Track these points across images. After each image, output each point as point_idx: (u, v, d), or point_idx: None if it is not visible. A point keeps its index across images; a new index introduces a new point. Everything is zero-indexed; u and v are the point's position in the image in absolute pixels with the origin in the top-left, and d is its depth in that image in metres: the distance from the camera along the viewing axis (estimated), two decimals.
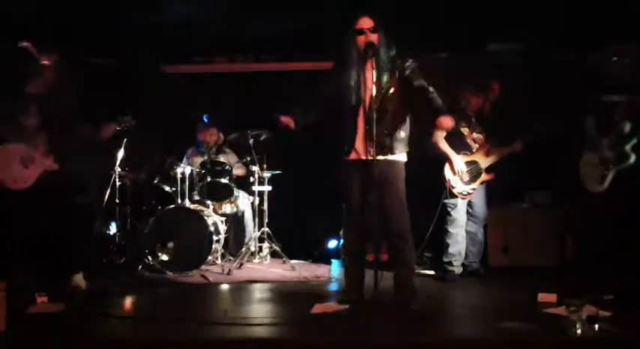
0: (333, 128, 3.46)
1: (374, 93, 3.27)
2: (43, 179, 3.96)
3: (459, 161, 4.46)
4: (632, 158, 3.84)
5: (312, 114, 3.55)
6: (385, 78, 3.32)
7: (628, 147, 3.85)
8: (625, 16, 4.54)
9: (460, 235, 4.50)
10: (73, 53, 5.61)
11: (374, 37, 3.30)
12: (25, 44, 3.93)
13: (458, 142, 4.52)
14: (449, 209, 4.49)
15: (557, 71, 5.47)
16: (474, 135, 4.57)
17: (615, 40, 3.98)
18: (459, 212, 4.48)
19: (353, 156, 3.37)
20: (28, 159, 3.94)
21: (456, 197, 4.46)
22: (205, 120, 5.65)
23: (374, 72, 3.27)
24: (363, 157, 3.32)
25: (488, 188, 4.67)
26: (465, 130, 4.54)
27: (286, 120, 3.49)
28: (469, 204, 4.56)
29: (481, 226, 4.64)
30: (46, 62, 3.98)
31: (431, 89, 3.34)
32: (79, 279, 3.97)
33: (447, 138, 4.50)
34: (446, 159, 4.49)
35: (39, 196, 3.97)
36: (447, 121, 3.23)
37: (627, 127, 3.88)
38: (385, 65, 3.32)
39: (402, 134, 3.39)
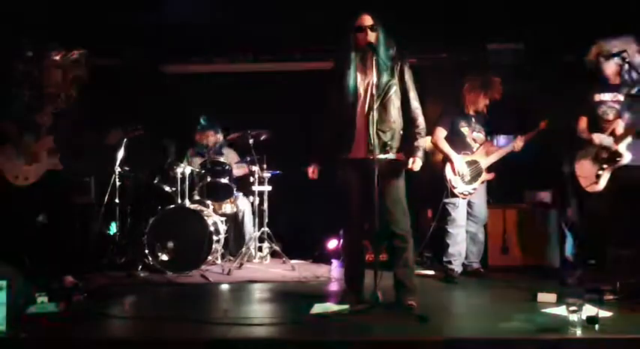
0: (333, 127, 3.46)
1: (374, 91, 3.27)
2: (44, 178, 3.98)
3: (459, 161, 4.45)
4: (627, 157, 3.85)
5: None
6: (385, 76, 3.32)
7: (622, 146, 3.86)
8: (625, 16, 4.55)
9: (460, 235, 4.49)
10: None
11: (374, 36, 3.31)
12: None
13: (458, 142, 4.52)
14: (449, 209, 4.47)
15: (557, 71, 5.48)
16: (474, 134, 4.56)
17: (604, 38, 3.98)
18: (459, 212, 4.47)
19: (353, 155, 3.37)
20: (34, 156, 3.97)
21: (457, 197, 4.45)
22: (203, 121, 5.65)
23: (374, 70, 3.27)
24: (363, 156, 3.32)
25: (488, 188, 4.67)
26: (464, 130, 4.53)
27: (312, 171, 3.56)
28: (469, 204, 4.55)
29: (481, 226, 4.63)
30: (53, 58, 4.00)
31: (422, 120, 3.43)
32: (70, 280, 3.97)
33: (447, 138, 4.50)
34: (447, 159, 4.48)
35: (38, 195, 3.99)
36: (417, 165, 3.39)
37: (620, 126, 3.88)
38: (385, 63, 3.32)
39: (401, 134, 3.39)
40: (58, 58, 4.04)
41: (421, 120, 3.44)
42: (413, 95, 3.43)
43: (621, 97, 3.94)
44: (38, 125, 4.03)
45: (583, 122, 4.08)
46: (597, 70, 4.00)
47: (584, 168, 4.04)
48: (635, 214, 3.86)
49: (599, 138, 3.95)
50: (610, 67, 3.93)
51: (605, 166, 3.92)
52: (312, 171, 3.56)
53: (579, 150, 4.12)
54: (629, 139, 3.85)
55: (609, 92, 3.99)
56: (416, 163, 3.39)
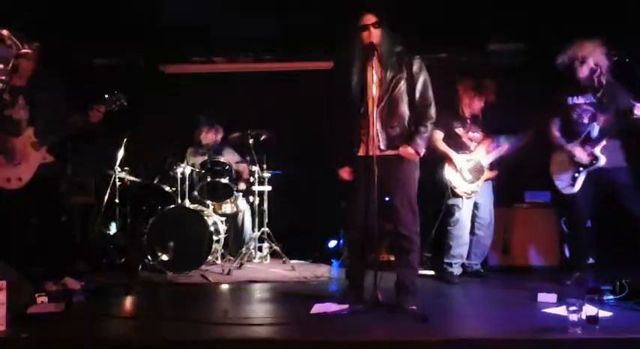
0: (339, 126, 3.45)
1: (379, 89, 3.26)
2: (38, 176, 3.89)
3: (458, 158, 4.44)
4: (602, 160, 3.91)
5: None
6: (390, 74, 3.31)
7: (597, 148, 3.93)
8: (625, 14, 4.55)
9: (464, 237, 4.46)
10: (73, 53, 5.64)
11: (377, 33, 3.30)
12: (2, 32, 3.83)
13: (454, 143, 4.50)
14: (452, 210, 4.45)
15: (557, 70, 5.47)
16: (470, 134, 4.54)
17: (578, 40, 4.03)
18: (463, 213, 4.44)
19: (361, 152, 3.36)
20: (20, 154, 3.86)
21: (460, 197, 4.43)
22: (204, 119, 5.65)
23: (379, 67, 3.27)
24: (370, 154, 3.27)
25: (493, 189, 4.65)
26: (459, 130, 4.51)
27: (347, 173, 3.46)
28: (475, 205, 4.53)
29: (489, 229, 4.59)
30: (25, 50, 3.84)
31: (431, 111, 3.36)
32: (70, 281, 3.96)
33: (443, 140, 4.49)
34: (445, 159, 4.48)
35: (32, 196, 3.93)
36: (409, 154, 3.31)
37: (595, 130, 3.95)
38: (389, 61, 3.31)
39: (412, 128, 3.37)
40: (27, 49, 3.87)
41: (430, 112, 3.34)
42: (420, 87, 3.34)
43: (594, 99, 3.98)
44: (16, 121, 3.88)
45: (553, 125, 4.16)
46: (570, 72, 4.03)
47: (560, 171, 4.12)
48: (609, 215, 3.94)
49: (570, 148, 4.03)
50: (583, 71, 3.97)
51: (581, 169, 3.99)
52: (347, 173, 3.45)
53: (553, 152, 4.18)
54: (603, 142, 3.92)
55: (582, 95, 4.03)
56: (406, 149, 3.30)
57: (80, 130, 3.97)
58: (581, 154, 3.99)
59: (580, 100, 4.04)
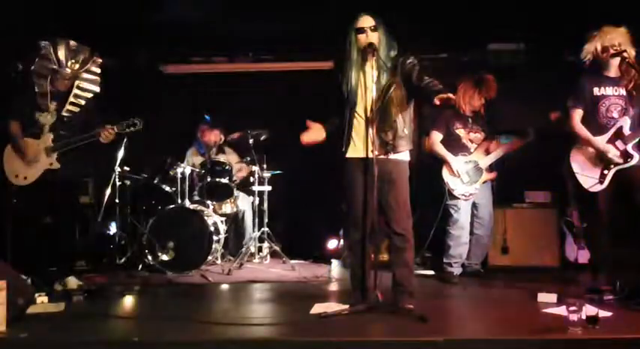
0: (335, 127, 3.46)
1: (375, 92, 3.27)
2: (43, 178, 3.97)
3: (456, 162, 4.44)
4: (636, 158, 3.63)
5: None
6: (385, 77, 3.32)
7: (630, 145, 3.65)
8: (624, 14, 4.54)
9: (463, 237, 4.46)
10: None
11: (374, 36, 3.31)
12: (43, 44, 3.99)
13: (454, 144, 4.50)
14: (451, 211, 4.45)
15: (557, 70, 5.48)
16: (471, 135, 4.53)
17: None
18: (461, 213, 4.44)
19: (355, 154, 3.37)
20: (34, 155, 3.96)
21: (458, 199, 4.43)
22: (207, 119, 5.65)
23: (374, 71, 3.27)
24: (364, 156, 3.30)
25: (492, 189, 4.65)
26: (460, 131, 4.51)
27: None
28: (474, 205, 4.53)
29: (488, 229, 4.57)
30: (67, 65, 4.02)
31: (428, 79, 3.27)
32: (73, 281, 3.96)
33: (443, 141, 4.49)
34: (443, 161, 4.47)
35: (38, 194, 3.98)
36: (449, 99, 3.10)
37: (628, 124, 3.66)
38: (385, 64, 3.32)
39: (404, 132, 3.38)
40: (71, 70, 4.05)
41: (434, 81, 3.23)
42: (416, 74, 3.28)
43: (623, 92, 3.70)
44: (41, 124, 4.01)
45: (577, 116, 3.79)
46: (597, 62, 3.73)
47: (587, 167, 3.76)
48: (637, 213, 3.76)
49: (603, 146, 3.69)
50: (614, 62, 3.68)
51: (612, 166, 3.69)
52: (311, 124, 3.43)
53: (574, 145, 3.84)
54: (638, 138, 3.64)
55: (609, 86, 3.72)
56: (442, 96, 3.07)
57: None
58: (615, 152, 3.66)
59: (608, 92, 3.72)
